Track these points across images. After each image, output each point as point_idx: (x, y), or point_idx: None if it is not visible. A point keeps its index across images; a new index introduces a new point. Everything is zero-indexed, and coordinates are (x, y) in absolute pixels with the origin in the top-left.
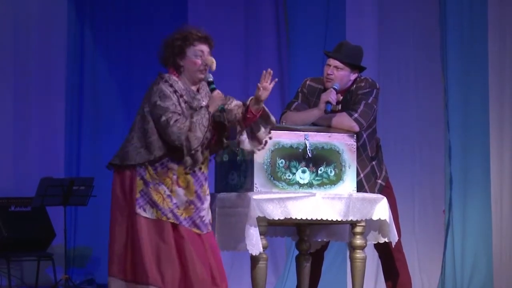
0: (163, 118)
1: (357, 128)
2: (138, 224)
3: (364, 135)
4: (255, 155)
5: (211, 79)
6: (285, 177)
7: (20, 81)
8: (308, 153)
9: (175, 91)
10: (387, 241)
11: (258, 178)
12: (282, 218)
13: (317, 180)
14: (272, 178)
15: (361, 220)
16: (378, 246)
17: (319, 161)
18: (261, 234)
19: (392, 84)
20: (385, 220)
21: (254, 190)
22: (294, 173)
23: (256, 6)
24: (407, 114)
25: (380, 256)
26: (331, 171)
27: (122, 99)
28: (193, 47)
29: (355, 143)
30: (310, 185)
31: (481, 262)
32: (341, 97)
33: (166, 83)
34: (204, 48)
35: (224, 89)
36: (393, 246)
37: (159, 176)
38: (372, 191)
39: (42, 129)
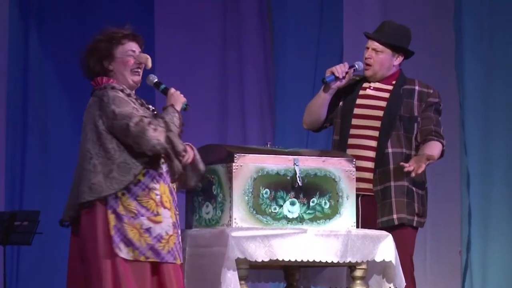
0: (132, 124)
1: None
2: (120, 266)
3: (413, 153)
4: (234, 183)
5: (156, 80)
6: (270, 210)
7: None
8: (298, 181)
9: (129, 95)
10: (392, 287)
11: (238, 212)
12: (266, 259)
13: (309, 213)
14: (254, 212)
15: (362, 262)
16: None
17: (311, 190)
18: (241, 279)
19: None
20: (390, 261)
21: (233, 226)
22: (281, 206)
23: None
24: None
25: None
26: (325, 203)
27: (75, 116)
28: (122, 46)
29: (354, 169)
30: (300, 219)
31: None
32: (387, 86)
33: (113, 89)
34: (134, 46)
35: (200, 98)
36: None
37: (141, 200)
38: (400, 210)
39: None
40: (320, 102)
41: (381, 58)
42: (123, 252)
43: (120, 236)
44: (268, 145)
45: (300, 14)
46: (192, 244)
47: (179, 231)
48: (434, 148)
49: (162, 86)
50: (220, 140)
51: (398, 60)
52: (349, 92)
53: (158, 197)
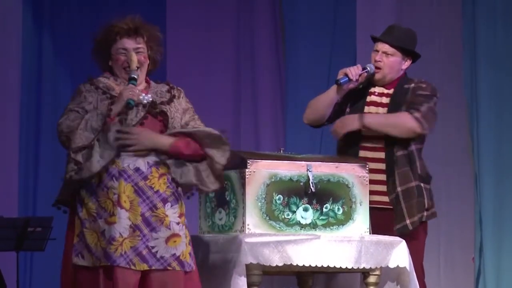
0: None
1: (419, 130)
2: (79, 275)
3: (413, 147)
4: (247, 189)
5: (133, 75)
6: (283, 216)
7: None
8: (311, 187)
9: (97, 88)
10: None
11: (251, 218)
12: (280, 264)
13: (322, 219)
14: (267, 218)
15: (375, 268)
16: None
17: (324, 196)
18: (254, 285)
19: None
20: (404, 267)
21: (246, 232)
22: (295, 212)
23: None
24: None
25: None
26: (338, 209)
27: None
28: (115, 44)
29: (367, 175)
30: (313, 225)
31: None
32: (389, 90)
33: (87, 82)
34: (128, 43)
35: (213, 104)
36: None
37: (100, 201)
38: (411, 214)
39: None
40: (328, 102)
41: (391, 61)
42: (86, 260)
43: (83, 244)
44: (281, 151)
45: (313, 18)
46: (205, 250)
47: (152, 235)
48: (391, 116)
49: (130, 82)
50: (233, 146)
51: (406, 64)
52: (354, 97)
53: (116, 196)
